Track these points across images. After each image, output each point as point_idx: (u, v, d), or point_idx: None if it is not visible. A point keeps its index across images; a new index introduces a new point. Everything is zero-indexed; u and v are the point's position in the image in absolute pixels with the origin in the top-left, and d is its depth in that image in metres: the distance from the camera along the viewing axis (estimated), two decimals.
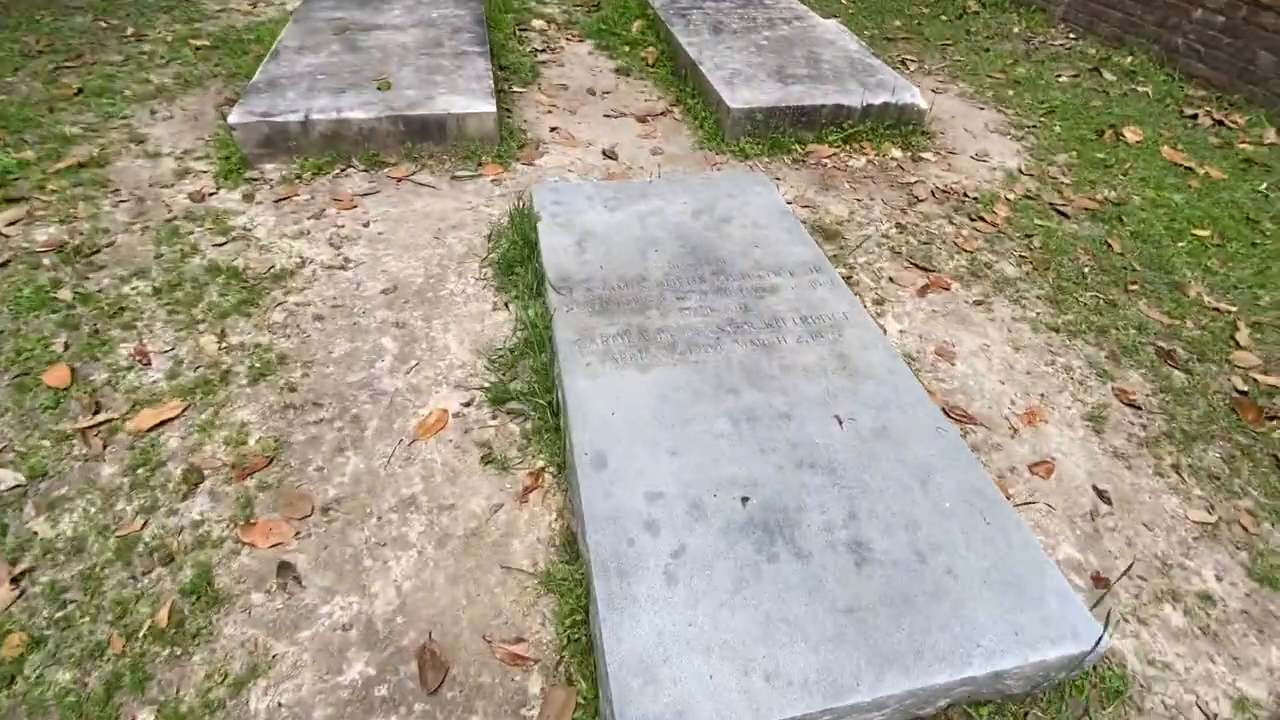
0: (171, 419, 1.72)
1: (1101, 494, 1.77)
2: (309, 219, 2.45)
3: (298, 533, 1.51)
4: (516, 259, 2.22)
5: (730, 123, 3.02)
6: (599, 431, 1.53)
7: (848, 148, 3.15)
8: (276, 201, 2.52)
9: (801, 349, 1.79)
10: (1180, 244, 2.72)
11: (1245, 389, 2.10)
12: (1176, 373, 2.15)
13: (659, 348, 1.76)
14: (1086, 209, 2.89)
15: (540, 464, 1.69)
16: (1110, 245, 2.67)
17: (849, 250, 2.53)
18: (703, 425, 1.57)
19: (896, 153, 3.16)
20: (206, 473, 1.62)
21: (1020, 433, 1.90)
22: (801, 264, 2.09)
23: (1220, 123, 3.72)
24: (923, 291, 2.37)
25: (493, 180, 2.76)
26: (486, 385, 1.86)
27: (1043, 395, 2.03)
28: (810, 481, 1.46)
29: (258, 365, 1.88)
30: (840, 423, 1.60)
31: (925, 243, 2.62)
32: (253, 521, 1.52)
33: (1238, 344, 2.27)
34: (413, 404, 1.82)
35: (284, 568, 1.44)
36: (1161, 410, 2.02)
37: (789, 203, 2.59)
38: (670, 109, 3.41)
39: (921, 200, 2.86)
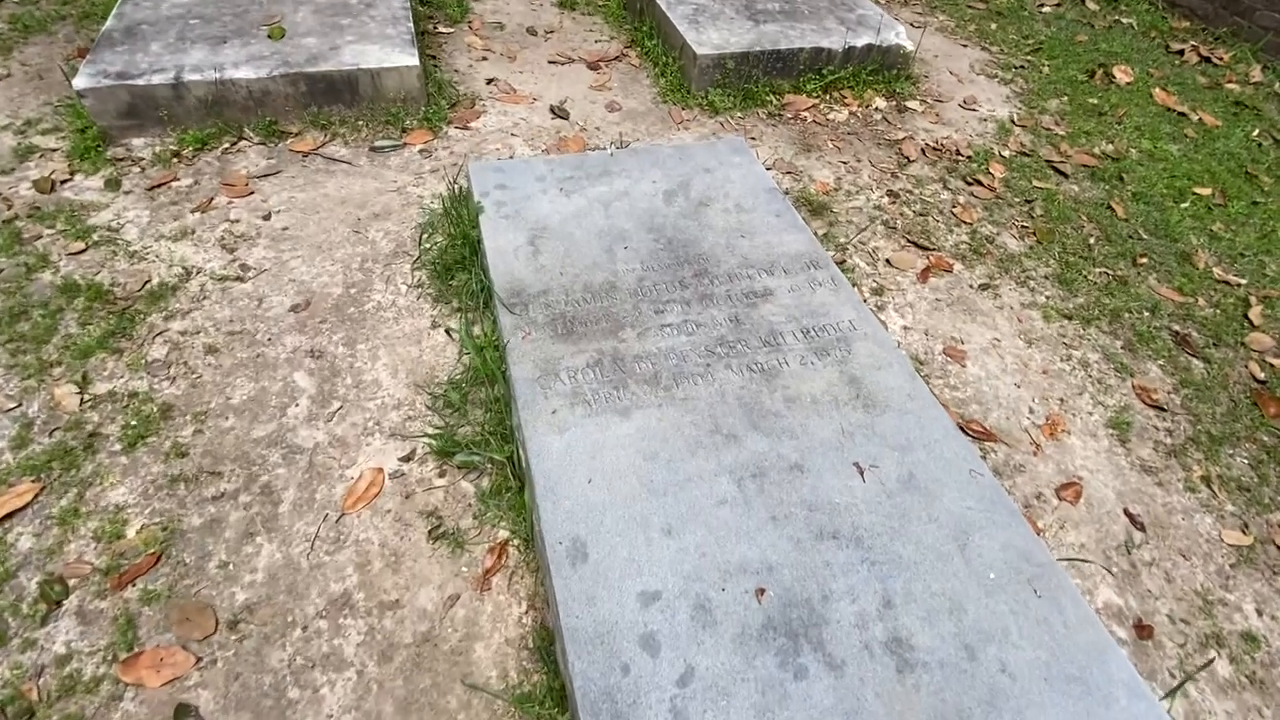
0: (20, 509, 1.34)
1: (1134, 519, 1.60)
2: (193, 212, 1.99)
3: (198, 660, 1.19)
4: (456, 260, 1.84)
5: (697, 71, 2.61)
6: (575, 510, 1.24)
7: (828, 97, 2.79)
8: (150, 189, 2.04)
9: (807, 373, 1.52)
10: (1183, 205, 2.52)
11: (1263, 377, 1.95)
12: (1195, 361, 1.97)
13: (639, 382, 1.46)
14: (1085, 166, 2.65)
15: (503, 534, 1.40)
16: (1113, 210, 2.45)
17: (840, 227, 2.23)
18: (701, 489, 1.29)
19: (880, 102, 2.83)
20: (72, 583, 1.26)
21: (1043, 448, 1.70)
22: (796, 258, 1.79)
23: (1206, 59, 3.50)
24: (924, 275, 2.11)
25: (421, 150, 2.32)
26: (430, 432, 1.53)
27: (1062, 400, 1.82)
28: (835, 558, 1.22)
29: (134, 423, 1.49)
30: (861, 473, 1.35)
31: (921, 214, 2.34)
32: (138, 651, 1.19)
33: (1251, 323, 2.11)
34: (338, 463, 1.48)
35: (183, 712, 1.13)
36: (1185, 409, 1.85)
37: (768, 168, 2.26)
38: (625, 52, 2.96)
39: (912, 160, 2.56)
